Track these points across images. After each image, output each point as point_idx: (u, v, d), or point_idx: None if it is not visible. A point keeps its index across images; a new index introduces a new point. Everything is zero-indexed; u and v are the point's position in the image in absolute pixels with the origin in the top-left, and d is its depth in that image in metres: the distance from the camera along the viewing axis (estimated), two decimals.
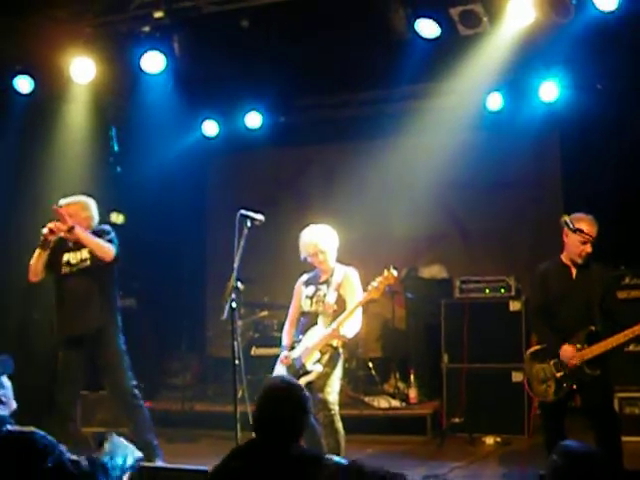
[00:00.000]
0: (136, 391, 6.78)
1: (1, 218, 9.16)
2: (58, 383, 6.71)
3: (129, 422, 6.79)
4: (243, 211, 5.99)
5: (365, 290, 6.14)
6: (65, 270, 6.70)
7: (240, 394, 9.34)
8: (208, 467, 6.22)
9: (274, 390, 3.86)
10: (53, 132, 9.53)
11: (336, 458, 3.65)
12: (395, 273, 6.10)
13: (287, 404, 3.74)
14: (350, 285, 6.32)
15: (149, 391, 9.23)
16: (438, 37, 7.81)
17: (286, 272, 10.23)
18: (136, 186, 9.95)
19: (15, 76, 8.91)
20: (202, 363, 10.94)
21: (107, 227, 6.85)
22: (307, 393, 3.89)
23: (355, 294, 6.25)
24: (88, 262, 6.65)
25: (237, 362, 5.69)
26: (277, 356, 6.71)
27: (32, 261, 6.63)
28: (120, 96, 9.86)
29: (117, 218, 10.17)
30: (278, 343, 8.85)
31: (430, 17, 7.70)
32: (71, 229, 6.40)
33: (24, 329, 9.28)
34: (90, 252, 6.57)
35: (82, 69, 8.64)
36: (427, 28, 7.74)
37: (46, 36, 8.78)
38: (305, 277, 6.62)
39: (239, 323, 9.38)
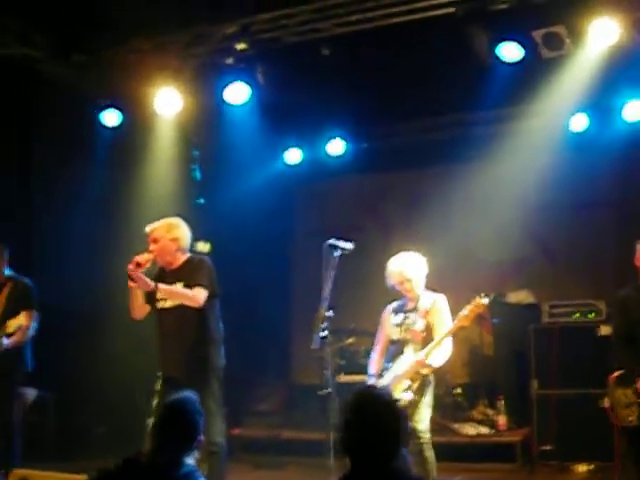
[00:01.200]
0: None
1: (88, 251, 9.38)
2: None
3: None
4: (331, 241, 5.95)
5: (454, 317, 6.09)
6: (160, 305, 6.18)
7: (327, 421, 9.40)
8: None
9: (369, 400, 3.35)
10: (139, 164, 9.73)
11: None
12: (485, 301, 6.02)
13: (388, 416, 3.28)
14: (439, 312, 6.26)
15: (236, 417, 9.29)
16: (521, 60, 7.76)
17: (371, 298, 10.20)
18: (221, 215, 10.07)
19: (102, 110, 9.11)
20: (288, 390, 10.96)
21: (201, 258, 6.36)
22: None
23: (444, 322, 6.19)
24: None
25: (329, 390, 5.61)
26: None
27: (130, 299, 6.23)
28: (205, 127, 10.00)
29: (203, 247, 10.29)
30: (365, 370, 8.85)
31: (513, 40, 7.65)
32: (155, 287, 5.94)
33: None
34: (184, 287, 6.04)
35: (167, 101, 8.82)
36: (510, 51, 7.70)
37: (132, 69, 9.00)
38: (393, 305, 6.59)
39: (326, 351, 9.41)
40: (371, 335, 9.58)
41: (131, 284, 5.98)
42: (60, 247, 9.31)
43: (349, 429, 3.25)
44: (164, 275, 6.22)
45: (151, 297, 6.16)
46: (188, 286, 6.01)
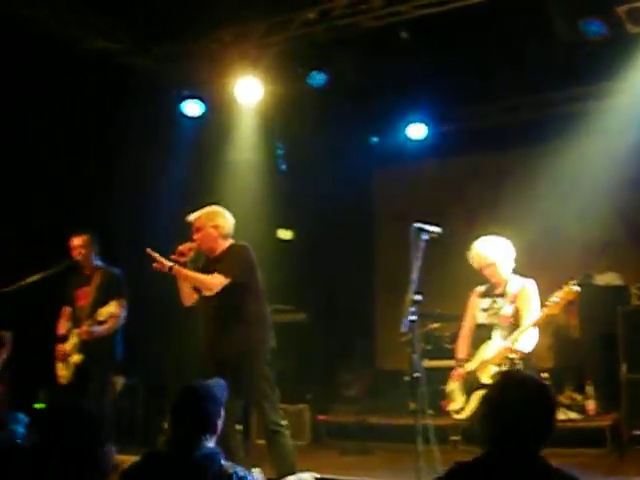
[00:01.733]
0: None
1: (170, 242, 9.49)
2: None
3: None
4: (418, 224, 5.90)
5: (544, 305, 5.96)
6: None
7: (413, 407, 9.37)
8: None
9: (521, 384, 3.13)
10: (221, 154, 9.82)
11: None
12: (577, 289, 5.86)
13: (539, 402, 3.05)
14: (527, 298, 6.15)
15: (322, 404, 9.34)
16: (605, 36, 7.58)
17: (456, 283, 10.12)
18: (304, 202, 10.11)
19: (183, 100, 9.21)
20: (373, 376, 10.96)
21: (241, 246, 6.36)
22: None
23: (532, 307, 6.08)
24: None
25: (418, 375, 5.59)
26: (450, 368, 6.63)
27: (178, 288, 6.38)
28: (287, 114, 10.02)
29: (285, 234, 10.36)
30: (450, 355, 8.80)
31: (596, 16, 7.48)
32: (170, 269, 6.11)
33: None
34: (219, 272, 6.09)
35: (249, 90, 8.87)
36: (593, 28, 7.52)
37: (212, 59, 9.09)
38: (480, 289, 6.50)
39: (411, 336, 9.38)
40: (456, 320, 9.51)
41: (156, 265, 6.12)
42: (141, 237, 9.45)
43: (493, 414, 3.06)
44: (209, 263, 6.32)
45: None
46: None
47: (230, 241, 6.35)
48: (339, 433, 8.71)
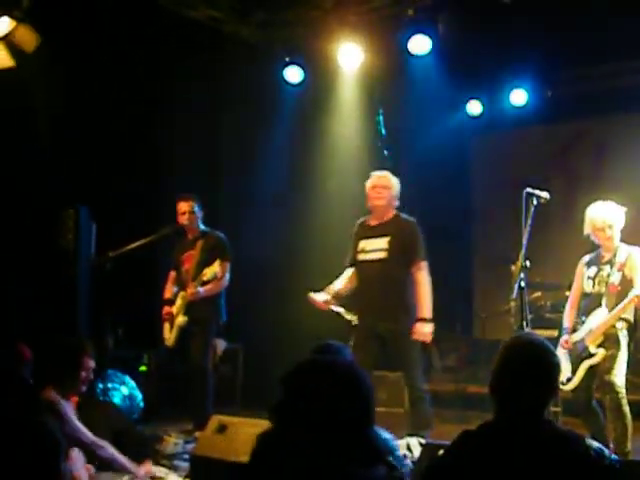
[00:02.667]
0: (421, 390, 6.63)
1: (275, 206, 9.59)
2: None
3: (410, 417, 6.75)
4: (529, 189, 5.84)
5: None
6: (360, 257, 6.71)
7: None
8: None
9: (520, 348, 3.24)
10: (323, 120, 9.85)
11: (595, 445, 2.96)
12: None
13: (538, 366, 3.14)
14: (635, 265, 6.01)
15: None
16: None
17: (557, 252, 9.99)
18: (401, 166, 10.05)
19: (285, 67, 9.23)
20: (472, 345, 10.88)
21: (412, 222, 6.74)
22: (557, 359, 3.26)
23: None
24: (383, 254, 6.59)
25: None
26: (551, 338, 6.52)
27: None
28: (387, 80, 9.96)
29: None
30: (551, 325, 8.68)
31: None
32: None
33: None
34: (388, 243, 6.54)
35: (349, 56, 8.84)
36: None
37: (313, 26, 9.08)
38: (587, 258, 6.37)
39: (512, 304, 9.27)
40: (557, 289, 9.41)
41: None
42: (245, 199, 9.56)
43: (501, 371, 3.19)
44: (363, 230, 6.75)
45: (354, 251, 6.72)
46: (399, 247, 6.51)
47: (394, 211, 6.74)
48: (437, 402, 8.65)
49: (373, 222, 6.71)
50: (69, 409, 5.08)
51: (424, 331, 6.45)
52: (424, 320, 6.47)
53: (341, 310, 6.63)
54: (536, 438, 2.96)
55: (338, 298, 6.72)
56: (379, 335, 6.55)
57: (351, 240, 6.80)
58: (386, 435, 3.56)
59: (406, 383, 6.69)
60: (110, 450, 5.05)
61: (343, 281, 6.79)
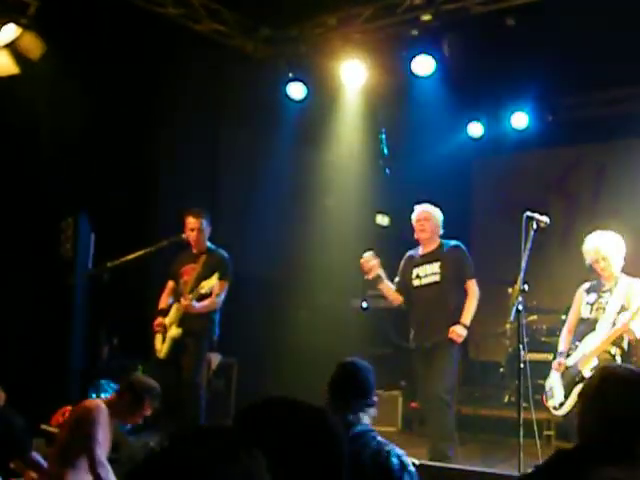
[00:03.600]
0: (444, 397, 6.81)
1: (272, 220, 9.59)
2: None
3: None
4: (529, 212, 5.87)
5: None
6: (415, 283, 7.08)
7: (507, 399, 9.28)
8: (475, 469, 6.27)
9: (623, 376, 2.92)
10: (325, 136, 9.87)
11: None
12: None
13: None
14: (635, 295, 6.02)
15: (415, 392, 9.31)
16: None
17: (554, 276, 10.00)
18: (402, 187, 10.08)
19: (288, 83, 9.26)
20: (465, 366, 10.87)
21: (462, 248, 7.20)
22: None
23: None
24: (437, 277, 6.99)
25: (522, 365, 5.54)
26: (546, 362, 6.54)
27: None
28: (390, 99, 9.99)
29: (382, 220, 10.33)
30: (546, 348, 8.68)
31: None
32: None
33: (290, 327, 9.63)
34: (440, 267, 6.97)
35: (353, 74, 8.88)
36: None
37: (317, 43, 9.12)
38: (587, 285, 6.41)
39: (507, 327, 9.29)
40: (553, 313, 9.41)
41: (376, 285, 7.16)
42: (244, 215, 9.56)
43: (591, 410, 2.88)
44: (415, 260, 7.16)
45: (405, 280, 7.12)
46: (450, 270, 6.98)
47: (439, 239, 7.18)
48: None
49: (422, 251, 7.13)
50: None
51: (459, 332, 6.76)
52: (462, 324, 6.80)
53: (383, 276, 7.01)
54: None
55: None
56: (426, 351, 6.92)
57: (401, 268, 7.24)
58: (399, 451, 3.54)
59: (429, 392, 6.87)
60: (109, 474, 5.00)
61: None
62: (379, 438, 3.58)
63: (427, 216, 7.11)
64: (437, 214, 7.19)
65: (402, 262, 7.26)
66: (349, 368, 3.85)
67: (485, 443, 8.17)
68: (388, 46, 8.90)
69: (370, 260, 6.92)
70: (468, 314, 6.87)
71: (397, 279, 7.19)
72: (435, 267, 7.00)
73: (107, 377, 7.65)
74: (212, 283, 6.95)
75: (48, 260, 7.82)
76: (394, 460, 3.48)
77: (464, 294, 6.98)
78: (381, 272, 7.01)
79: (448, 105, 9.56)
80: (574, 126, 10.68)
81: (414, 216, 7.17)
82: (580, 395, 3.02)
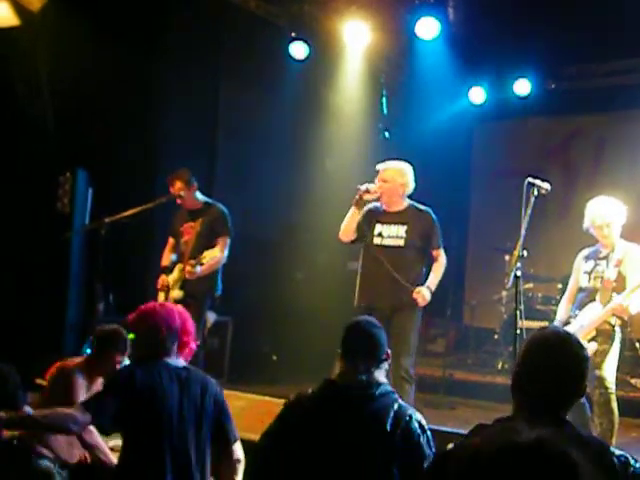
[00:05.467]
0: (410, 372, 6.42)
1: (271, 181, 9.56)
2: None
3: None
4: (530, 179, 5.78)
5: None
6: (376, 241, 6.51)
7: (500, 366, 9.34)
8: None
9: (547, 340, 2.93)
10: (325, 97, 9.83)
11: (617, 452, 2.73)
12: None
13: (563, 356, 2.87)
14: (632, 262, 5.99)
15: None
16: None
17: (551, 245, 10.01)
18: (402, 150, 10.02)
19: (291, 42, 9.19)
20: (460, 331, 10.93)
21: (428, 211, 6.63)
22: (587, 352, 3.00)
23: (636, 272, 5.93)
24: (401, 242, 6.44)
25: (518, 332, 5.50)
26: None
27: (345, 220, 6.54)
28: (393, 61, 9.94)
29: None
30: (541, 316, 8.71)
31: None
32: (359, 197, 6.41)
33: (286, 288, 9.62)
34: (406, 232, 6.42)
35: (356, 34, 8.81)
36: None
37: (321, 2, 9.03)
38: (585, 252, 6.34)
39: (503, 294, 9.32)
40: (549, 281, 9.44)
41: (355, 207, 6.45)
42: (243, 174, 9.52)
43: (526, 364, 2.91)
44: (380, 215, 6.57)
45: (367, 228, 6.52)
46: (416, 237, 6.44)
47: (409, 201, 6.62)
48: (423, 386, 8.67)
49: (387, 209, 6.56)
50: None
51: (425, 294, 6.36)
52: (429, 288, 6.42)
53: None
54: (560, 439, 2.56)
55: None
56: (384, 317, 6.13)
57: (362, 218, 6.56)
58: (419, 415, 3.56)
59: (395, 360, 6.23)
60: (97, 437, 4.97)
61: None
62: (400, 401, 3.58)
63: (386, 177, 6.46)
64: (402, 174, 6.52)
65: (365, 211, 6.53)
66: (362, 328, 3.82)
67: (477, 408, 8.20)
68: (392, 7, 8.83)
69: (376, 193, 6.39)
70: (436, 280, 6.48)
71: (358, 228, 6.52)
72: (401, 230, 6.44)
73: None
74: (214, 254, 6.93)
75: (45, 214, 7.79)
76: (415, 424, 3.49)
77: (426, 263, 6.54)
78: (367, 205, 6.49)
79: (451, 69, 9.52)
80: (576, 95, 10.64)
81: (379, 168, 6.54)
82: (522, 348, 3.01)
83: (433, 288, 6.45)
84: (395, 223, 6.47)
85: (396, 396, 3.60)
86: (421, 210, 6.58)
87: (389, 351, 3.78)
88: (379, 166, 6.55)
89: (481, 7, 8.74)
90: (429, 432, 3.53)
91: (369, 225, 6.54)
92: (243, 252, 8.47)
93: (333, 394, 3.61)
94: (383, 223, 6.50)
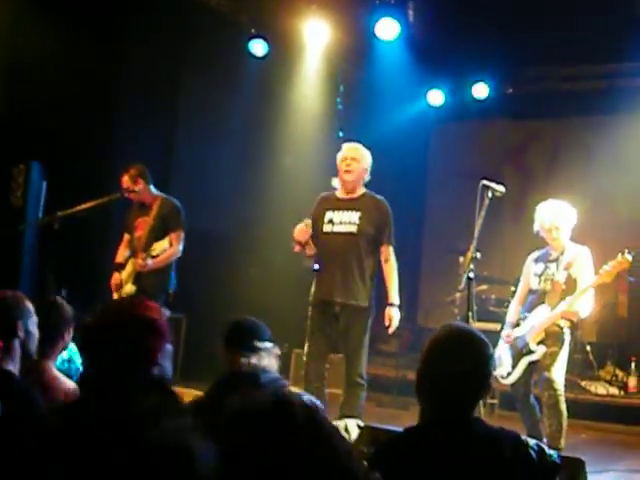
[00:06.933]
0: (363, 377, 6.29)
1: (227, 178, 9.54)
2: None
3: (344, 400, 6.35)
4: (485, 181, 5.80)
5: (597, 273, 5.90)
6: (326, 228, 6.27)
7: None
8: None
9: (450, 339, 2.92)
10: (283, 95, 9.82)
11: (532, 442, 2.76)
12: (630, 258, 5.80)
13: (467, 357, 2.81)
14: (581, 265, 6.05)
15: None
16: None
17: (506, 247, 10.10)
18: None
19: (250, 39, 9.18)
20: (414, 332, 10.97)
21: (382, 200, 6.38)
22: (492, 350, 2.95)
23: (586, 274, 5.99)
24: (354, 228, 6.20)
25: None
26: (494, 332, 6.57)
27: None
28: (352, 61, 9.97)
29: (339, 183, 10.33)
30: (495, 318, 8.77)
31: None
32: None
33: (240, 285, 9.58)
34: (360, 218, 6.17)
35: (316, 33, 8.82)
36: None
37: (281, 0, 9.01)
38: (535, 254, 6.39)
39: (457, 295, 9.35)
40: (503, 284, 9.51)
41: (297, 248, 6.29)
42: (200, 171, 9.48)
43: (430, 365, 2.87)
44: (331, 202, 6.35)
45: (316, 222, 6.26)
46: (370, 226, 6.19)
47: (364, 189, 6.40)
48: (377, 386, 8.70)
49: (341, 195, 6.34)
50: None
51: (393, 316, 6.26)
52: (395, 305, 6.28)
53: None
54: (467, 440, 2.71)
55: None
56: (334, 313, 6.21)
57: (312, 210, 6.40)
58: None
59: (348, 365, 6.28)
60: None
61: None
62: (290, 387, 3.52)
63: (356, 155, 6.25)
64: (368, 157, 6.33)
65: (315, 203, 6.41)
66: (233, 321, 3.93)
67: None
68: (352, 7, 8.85)
69: (308, 231, 6.15)
70: (396, 290, 6.29)
71: (307, 220, 6.18)
72: (354, 217, 6.16)
73: None
74: (163, 245, 6.88)
75: None
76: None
77: (377, 259, 6.27)
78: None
79: (410, 71, 9.56)
80: (533, 100, 10.75)
81: (340, 154, 6.32)
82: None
83: (398, 302, 6.31)
84: (348, 209, 6.21)
85: (284, 382, 3.55)
86: (377, 199, 6.33)
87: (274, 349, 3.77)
88: (346, 145, 6.40)
89: (441, 10, 8.79)
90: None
91: (319, 215, 6.30)
92: (197, 247, 8.42)
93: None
94: (335, 210, 6.25)
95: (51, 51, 7.82)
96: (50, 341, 4.14)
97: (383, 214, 6.28)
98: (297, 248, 6.24)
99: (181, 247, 7.15)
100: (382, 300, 6.41)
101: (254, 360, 3.64)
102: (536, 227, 6.22)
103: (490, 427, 2.81)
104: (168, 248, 6.95)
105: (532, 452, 2.72)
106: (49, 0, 7.80)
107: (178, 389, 4.57)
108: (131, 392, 2.52)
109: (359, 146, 6.40)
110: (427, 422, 2.83)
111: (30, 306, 3.88)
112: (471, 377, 2.82)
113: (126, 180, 7.16)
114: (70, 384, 4.32)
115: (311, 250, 6.30)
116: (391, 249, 6.31)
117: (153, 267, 6.93)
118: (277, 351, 3.80)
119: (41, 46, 7.63)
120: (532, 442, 2.76)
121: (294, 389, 3.48)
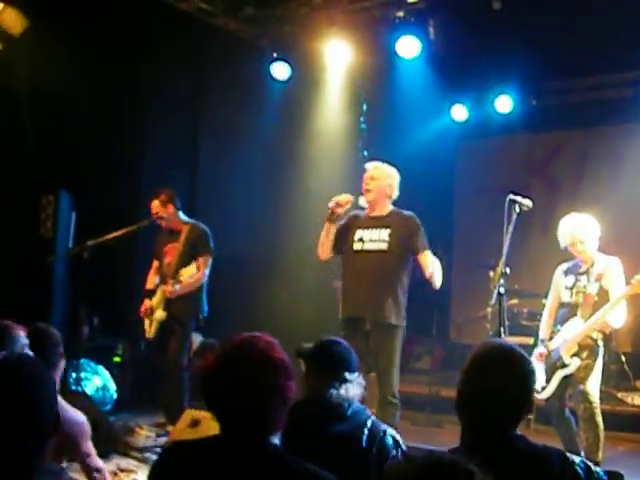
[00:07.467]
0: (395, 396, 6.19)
1: (253, 201, 9.57)
2: None
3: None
4: (512, 196, 5.76)
5: (628, 283, 5.85)
6: (357, 247, 6.22)
7: None
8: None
9: (490, 356, 2.88)
10: (307, 117, 9.86)
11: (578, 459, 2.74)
12: None
13: (507, 374, 2.78)
14: (612, 276, 6.02)
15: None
16: None
17: (535, 260, 10.02)
18: None
19: (272, 62, 9.23)
20: (446, 349, 10.91)
21: (413, 216, 6.29)
22: (533, 366, 2.92)
23: (618, 285, 5.95)
24: (384, 246, 6.14)
25: None
26: (526, 345, 6.51)
27: (321, 237, 6.33)
28: (374, 80, 9.99)
29: (365, 202, 10.33)
30: (527, 332, 8.70)
31: None
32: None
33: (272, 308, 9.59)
34: (389, 235, 6.12)
35: (337, 54, 8.85)
36: None
37: (302, 23, 9.08)
38: (564, 266, 6.35)
39: (488, 310, 9.30)
40: (534, 297, 9.44)
41: (328, 222, 6.21)
42: (225, 197, 9.53)
43: (470, 383, 2.82)
44: (361, 220, 6.32)
45: (345, 238, 6.25)
46: (400, 242, 6.11)
47: (392, 206, 6.35)
48: (410, 404, 8.65)
49: (370, 213, 6.31)
50: None
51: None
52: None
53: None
54: (510, 458, 2.67)
55: None
56: (365, 331, 6.12)
57: (342, 226, 6.34)
58: (392, 431, 3.59)
59: (380, 385, 6.19)
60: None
61: None
62: (374, 418, 3.61)
63: (374, 174, 6.24)
64: (390, 175, 6.30)
65: (345, 220, 6.32)
66: (326, 344, 3.84)
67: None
68: (373, 27, 8.87)
69: (348, 202, 6.17)
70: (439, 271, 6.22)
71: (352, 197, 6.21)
72: (384, 234, 6.12)
73: (87, 357, 7.64)
74: (191, 271, 6.93)
75: (28, 238, 7.76)
76: (389, 440, 3.52)
77: (409, 270, 6.24)
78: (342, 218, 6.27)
79: (432, 88, 9.56)
80: (558, 111, 10.70)
81: (368, 166, 6.34)
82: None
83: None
84: (378, 227, 6.18)
85: (369, 412, 3.61)
86: (405, 215, 6.27)
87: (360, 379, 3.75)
88: (368, 164, 6.37)
89: (461, 25, 8.77)
90: (403, 447, 3.53)
91: (348, 232, 6.28)
92: (228, 272, 8.47)
93: (306, 408, 3.62)
94: (364, 228, 6.22)
95: (80, 83, 7.91)
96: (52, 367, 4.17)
97: (411, 227, 6.19)
98: (332, 204, 6.16)
99: (207, 272, 7.20)
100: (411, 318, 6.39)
101: (342, 391, 3.64)
102: (562, 244, 6.20)
103: (534, 444, 2.78)
104: (195, 273, 7.00)
105: (579, 470, 2.70)
106: (71, 33, 7.87)
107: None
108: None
109: (379, 164, 6.36)
110: (469, 442, 2.79)
111: (19, 333, 3.93)
112: (511, 393, 2.79)
113: (156, 205, 7.22)
114: (74, 413, 4.39)
115: (327, 241, 6.28)
116: (428, 253, 6.18)
117: (181, 292, 6.97)
118: (362, 381, 3.78)
119: (70, 78, 7.72)
120: (577, 459, 2.74)
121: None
